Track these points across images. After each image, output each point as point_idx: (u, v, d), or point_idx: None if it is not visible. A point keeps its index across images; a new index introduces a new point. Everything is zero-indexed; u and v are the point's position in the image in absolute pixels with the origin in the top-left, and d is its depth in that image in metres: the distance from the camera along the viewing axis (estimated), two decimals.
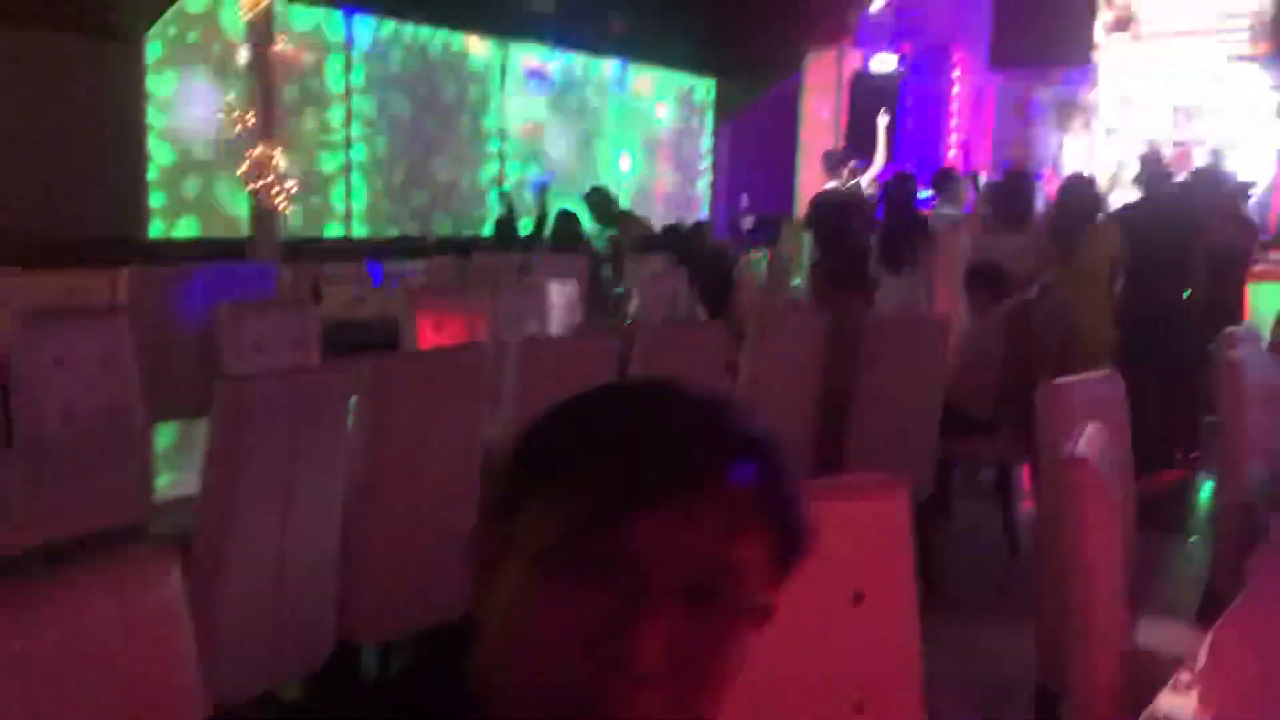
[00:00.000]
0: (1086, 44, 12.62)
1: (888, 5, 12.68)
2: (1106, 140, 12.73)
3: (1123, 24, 12.51)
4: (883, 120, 9.86)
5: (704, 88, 13.12)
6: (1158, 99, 12.41)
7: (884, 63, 12.50)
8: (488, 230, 9.91)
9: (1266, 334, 5.41)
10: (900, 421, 4.48)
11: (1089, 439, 2.14)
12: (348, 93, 9.01)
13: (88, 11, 6.78)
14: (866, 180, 9.12)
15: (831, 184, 8.70)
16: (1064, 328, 5.47)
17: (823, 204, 8.14)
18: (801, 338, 4.27)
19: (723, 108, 13.11)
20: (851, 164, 9.10)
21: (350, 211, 9.23)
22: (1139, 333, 6.13)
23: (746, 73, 12.56)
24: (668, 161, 13.04)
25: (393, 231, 9.67)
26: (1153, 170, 6.63)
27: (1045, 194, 12.36)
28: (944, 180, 10.18)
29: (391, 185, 9.59)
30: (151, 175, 7.77)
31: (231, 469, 2.45)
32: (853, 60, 12.53)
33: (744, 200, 13.14)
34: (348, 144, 9.17)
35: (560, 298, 5.73)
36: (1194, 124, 12.21)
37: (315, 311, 4.40)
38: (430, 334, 4.78)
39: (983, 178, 12.16)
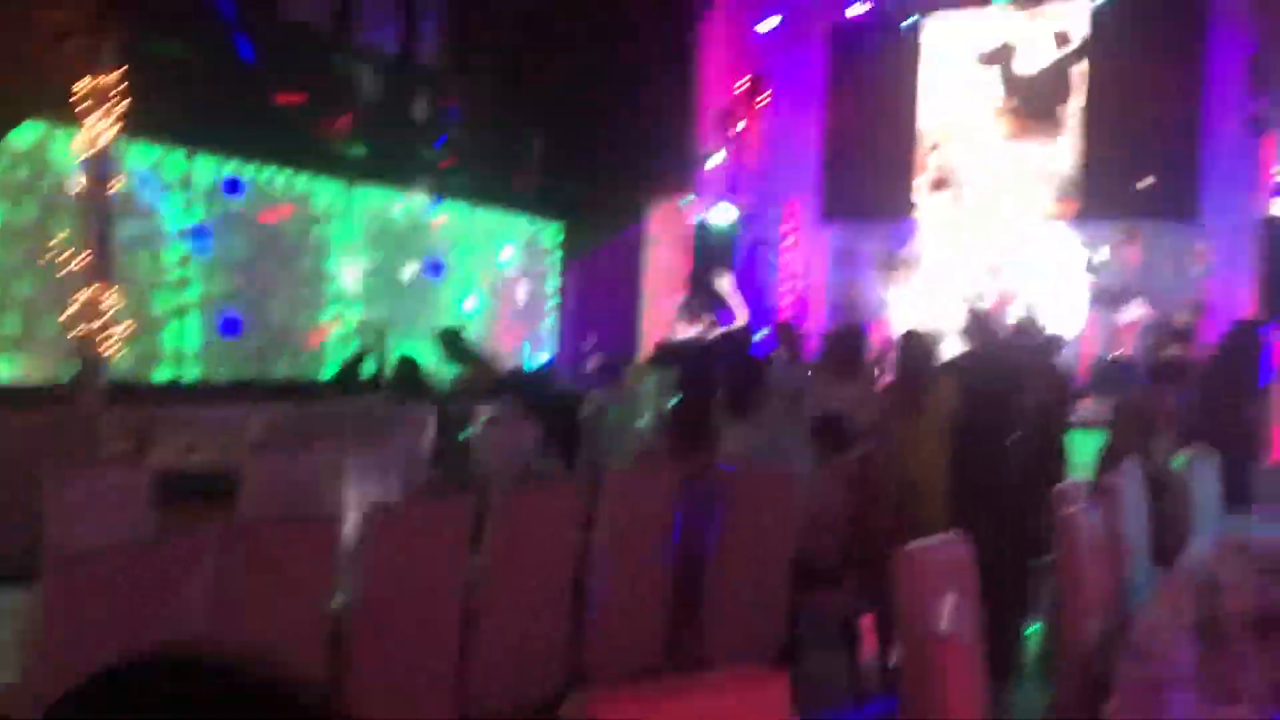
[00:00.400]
0: (908, 200, 13.41)
1: (726, 159, 13.25)
2: (927, 292, 13.42)
3: (942, 184, 13.37)
4: (726, 279, 10.15)
5: (551, 231, 13.33)
6: (973, 254, 13.20)
7: (724, 214, 12.98)
8: (328, 373, 9.69)
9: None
10: (756, 576, 4.50)
11: (949, 614, 2.18)
12: (185, 232, 8.78)
13: None
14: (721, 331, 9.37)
15: (692, 331, 8.86)
16: (902, 478, 5.65)
17: (683, 349, 8.28)
18: (655, 494, 4.26)
19: (570, 250, 13.33)
20: (710, 315, 9.34)
21: (182, 353, 8.90)
22: (970, 482, 6.37)
23: (593, 218, 12.85)
24: (511, 303, 13.12)
25: (226, 374, 9.35)
26: (980, 325, 6.99)
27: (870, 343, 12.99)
28: (784, 332, 10.59)
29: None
30: None
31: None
32: (694, 210, 12.99)
33: (590, 339, 13.27)
34: (183, 284, 8.90)
35: (404, 451, 5.61)
36: (1006, 279, 13.01)
37: (144, 464, 4.17)
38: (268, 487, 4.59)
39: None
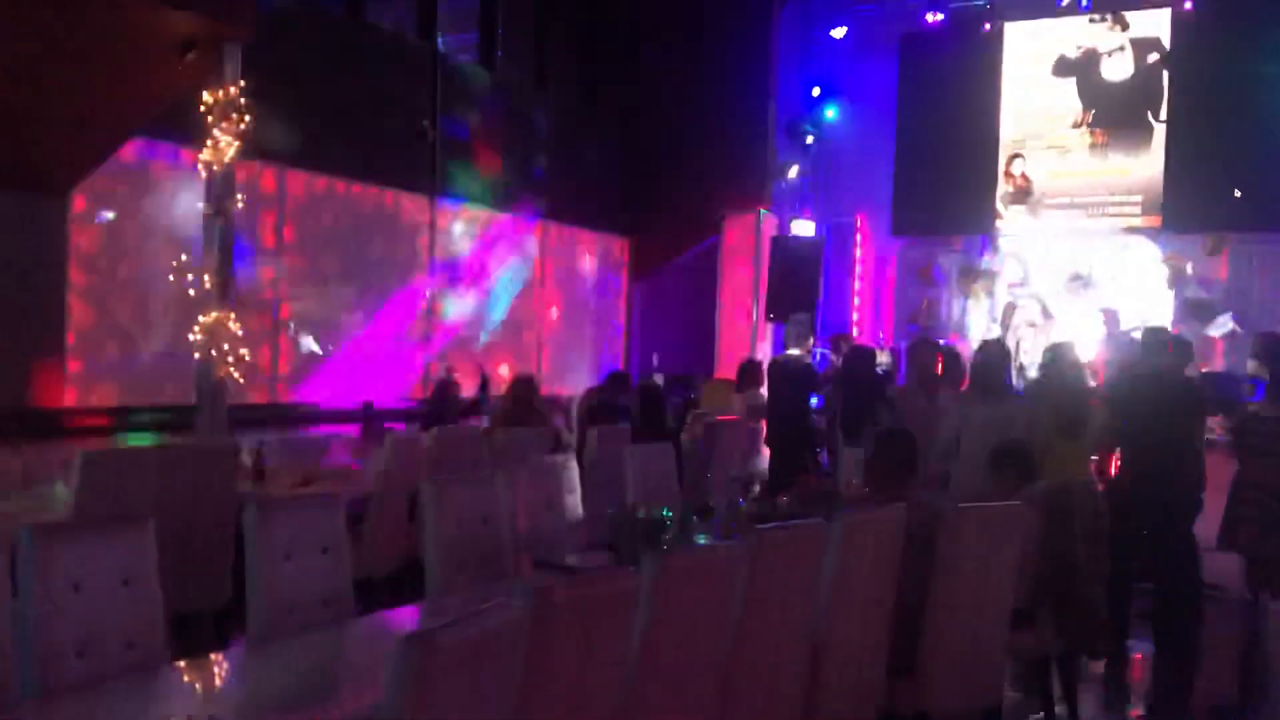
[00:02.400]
0: (987, 213, 13.10)
1: (800, 172, 12.97)
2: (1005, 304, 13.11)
3: (1021, 196, 13.06)
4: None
5: (620, 247, 13.07)
6: (1055, 268, 12.89)
7: (804, 228, 12.69)
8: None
9: None
10: (976, 622, 4.19)
11: None
12: (279, 248, 8.51)
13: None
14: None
15: (795, 350, 8.56)
16: (1094, 508, 5.34)
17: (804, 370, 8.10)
18: (883, 536, 3.96)
19: (638, 267, 13.06)
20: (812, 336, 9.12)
21: (277, 374, 8.63)
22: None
23: (666, 232, 12.59)
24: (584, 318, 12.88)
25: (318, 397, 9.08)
26: (1160, 342, 6.70)
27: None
28: (837, 343, 10.35)
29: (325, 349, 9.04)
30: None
31: None
32: (770, 224, 12.70)
33: (654, 360, 13.01)
34: (274, 304, 8.63)
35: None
36: (1090, 291, 12.71)
37: (339, 499, 3.86)
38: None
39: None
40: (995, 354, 6.92)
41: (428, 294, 10.14)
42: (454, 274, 10.55)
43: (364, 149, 9.22)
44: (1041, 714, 5.02)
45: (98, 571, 2.99)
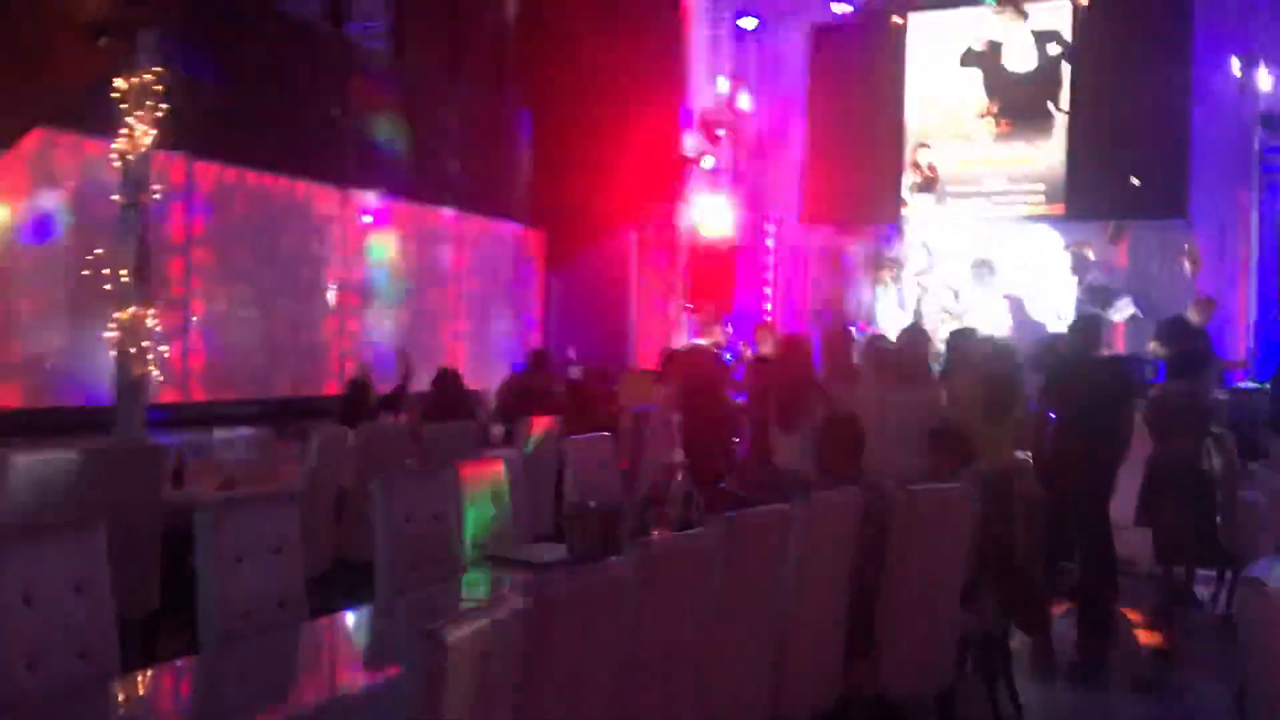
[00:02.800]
0: (894, 202, 13.31)
1: (713, 164, 13.00)
2: (912, 292, 13.33)
3: (927, 186, 13.29)
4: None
5: (535, 238, 12.95)
6: (960, 255, 13.14)
7: (718, 217, 12.73)
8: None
9: None
10: (929, 604, 4.24)
11: None
12: (189, 242, 8.21)
13: None
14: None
15: (710, 340, 8.58)
16: (1031, 489, 5.45)
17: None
18: (842, 520, 3.98)
19: (554, 258, 12.96)
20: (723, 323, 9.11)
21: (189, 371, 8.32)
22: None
23: (579, 225, 12.50)
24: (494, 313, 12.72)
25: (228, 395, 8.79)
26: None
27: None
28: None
29: (230, 343, 8.75)
30: None
31: None
32: (683, 216, 12.71)
33: (571, 352, 12.92)
34: (183, 299, 8.33)
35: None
36: (995, 278, 12.98)
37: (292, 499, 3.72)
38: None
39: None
40: (919, 340, 7.06)
41: (339, 286, 9.90)
42: (366, 266, 10.33)
43: (274, 139, 8.95)
44: (986, 689, 5.10)
45: (49, 580, 2.83)
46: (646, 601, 2.76)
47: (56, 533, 2.91)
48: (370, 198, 10.20)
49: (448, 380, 7.59)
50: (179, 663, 3.17)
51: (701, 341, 8.58)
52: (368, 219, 10.34)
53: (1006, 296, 11.91)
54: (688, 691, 3.12)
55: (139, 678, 2.95)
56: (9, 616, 2.72)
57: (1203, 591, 7.55)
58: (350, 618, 3.75)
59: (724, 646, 3.37)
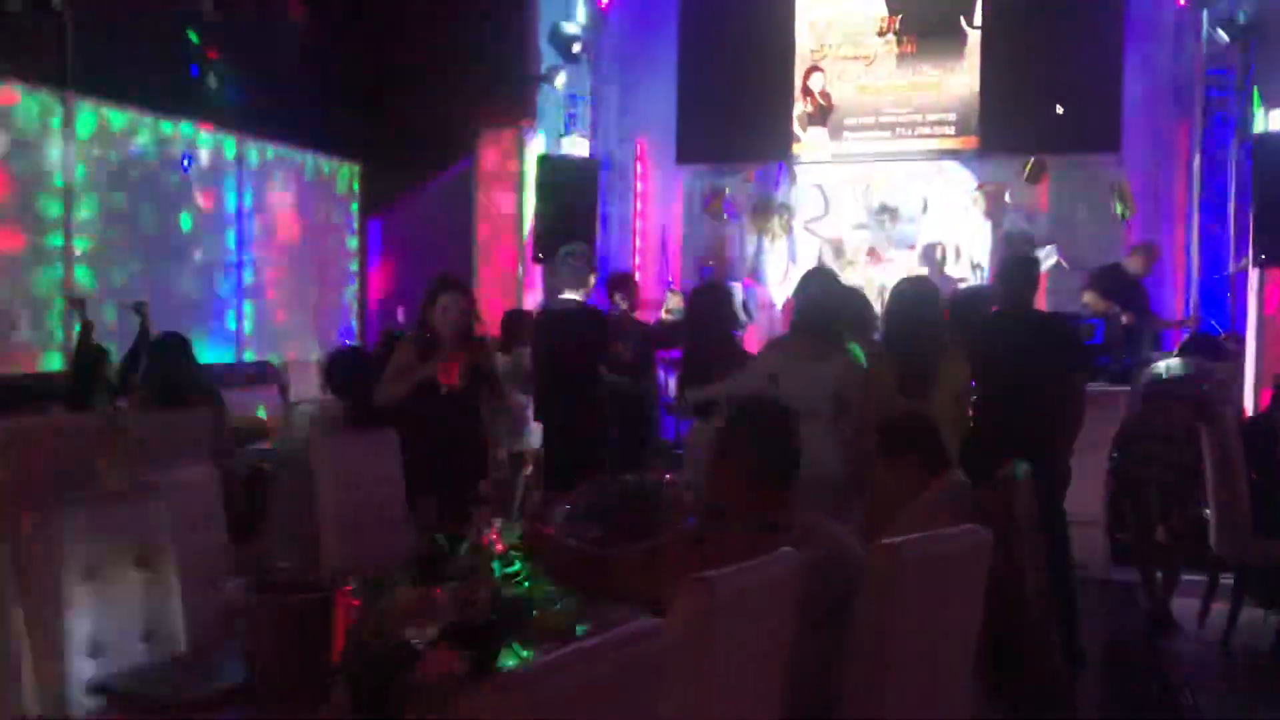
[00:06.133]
0: (786, 138, 11.34)
1: (568, 83, 10.78)
2: (806, 241, 11.49)
3: (821, 116, 11.36)
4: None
5: (349, 173, 10.57)
6: (859, 197, 11.36)
7: (576, 147, 10.54)
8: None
9: None
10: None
11: None
12: None
13: None
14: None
15: (570, 294, 6.50)
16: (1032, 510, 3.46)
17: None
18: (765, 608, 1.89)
19: (372, 198, 10.63)
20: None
21: None
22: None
23: (404, 156, 10.18)
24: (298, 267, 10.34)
25: None
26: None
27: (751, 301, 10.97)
28: (623, 283, 8.51)
29: None
30: None
31: None
32: (533, 145, 10.48)
33: (400, 314, 10.71)
34: None
35: None
36: (900, 226, 11.23)
37: None
38: None
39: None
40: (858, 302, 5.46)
41: (60, 221, 7.44)
42: (101, 195, 7.88)
43: None
44: None
45: None
46: None
47: None
48: (103, 106, 7.74)
49: (170, 351, 5.28)
50: None
51: (572, 295, 6.48)
52: (107, 134, 7.88)
53: (924, 247, 10.23)
54: None
55: None
56: None
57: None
58: None
59: None
